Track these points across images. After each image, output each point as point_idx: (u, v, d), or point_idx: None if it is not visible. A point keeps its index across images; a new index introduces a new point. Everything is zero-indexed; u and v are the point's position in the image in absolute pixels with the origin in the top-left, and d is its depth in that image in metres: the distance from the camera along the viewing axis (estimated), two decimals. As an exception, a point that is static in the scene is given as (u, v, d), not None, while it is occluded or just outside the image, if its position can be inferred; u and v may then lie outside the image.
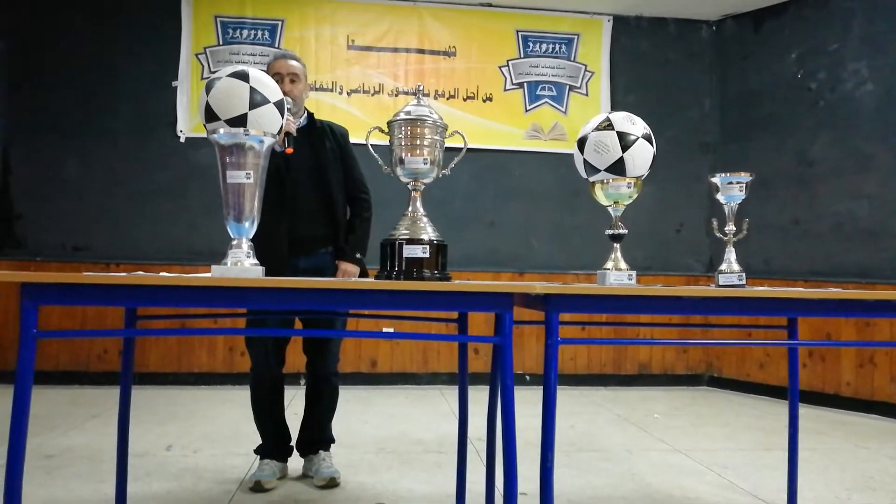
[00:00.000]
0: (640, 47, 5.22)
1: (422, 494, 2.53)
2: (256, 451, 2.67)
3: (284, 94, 2.41)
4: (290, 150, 2.40)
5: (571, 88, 5.14)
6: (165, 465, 2.81)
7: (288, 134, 2.38)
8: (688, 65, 5.24)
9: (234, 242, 1.66)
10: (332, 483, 2.57)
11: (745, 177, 1.91)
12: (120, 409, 2.04)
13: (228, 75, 1.63)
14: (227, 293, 1.54)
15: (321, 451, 2.69)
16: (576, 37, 5.15)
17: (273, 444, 2.66)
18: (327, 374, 2.69)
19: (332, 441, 2.76)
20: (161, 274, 1.63)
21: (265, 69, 2.52)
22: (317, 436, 2.71)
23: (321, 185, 2.59)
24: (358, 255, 2.63)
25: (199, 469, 2.76)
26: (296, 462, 2.72)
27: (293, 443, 2.73)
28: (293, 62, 2.58)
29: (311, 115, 2.68)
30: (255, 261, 1.65)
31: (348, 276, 2.56)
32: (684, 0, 4.95)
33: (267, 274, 1.64)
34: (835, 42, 4.59)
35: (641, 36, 5.22)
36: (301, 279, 1.55)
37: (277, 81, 2.43)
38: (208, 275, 1.57)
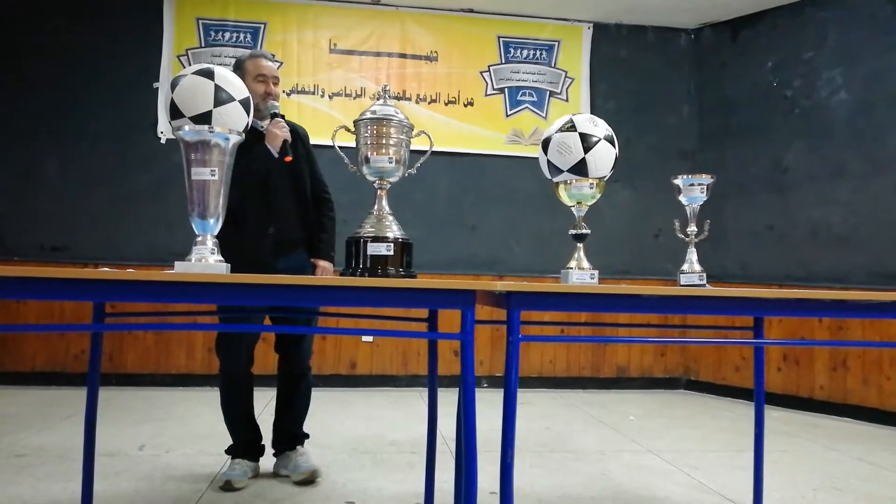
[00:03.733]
0: (620, 54, 5.28)
1: (391, 494, 2.54)
2: (227, 452, 2.68)
3: (268, 94, 2.48)
4: (288, 159, 2.40)
5: (552, 94, 5.19)
6: (137, 464, 2.80)
7: (285, 141, 2.39)
8: (666, 72, 5.31)
9: (199, 239, 1.67)
10: (311, 477, 2.60)
11: (705, 178, 1.95)
12: (87, 406, 2.04)
13: (193, 73, 1.65)
14: (190, 289, 1.55)
15: (297, 447, 2.73)
16: (556, 43, 5.20)
17: (244, 444, 2.66)
18: (303, 370, 2.72)
19: (307, 437, 2.80)
20: (127, 271, 1.63)
21: (240, 65, 2.53)
22: (293, 432, 2.74)
23: (297, 188, 2.62)
24: (332, 254, 2.67)
25: (171, 468, 2.76)
26: (266, 462, 2.73)
27: (264, 442, 2.73)
28: (273, 63, 2.58)
29: (282, 116, 2.68)
30: (220, 257, 1.66)
31: (327, 274, 2.63)
32: (663, 8, 5.01)
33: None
34: (810, 51, 4.67)
35: (621, 43, 5.28)
36: (263, 275, 1.56)
37: (262, 81, 2.49)
38: (172, 271, 1.58)
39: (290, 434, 2.73)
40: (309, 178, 2.67)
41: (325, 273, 2.63)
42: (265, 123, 2.49)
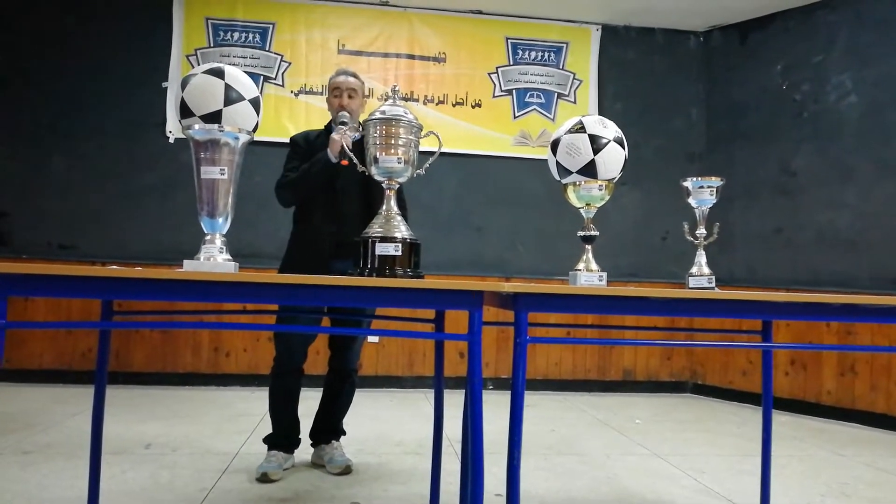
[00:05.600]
0: (628, 57, 5.27)
1: (397, 495, 2.53)
2: (265, 441, 2.81)
3: (342, 107, 2.69)
4: (345, 162, 2.57)
5: (560, 96, 5.19)
6: (143, 462, 2.81)
7: (343, 146, 2.54)
8: (675, 75, 5.29)
9: (208, 238, 1.68)
10: (347, 470, 2.76)
11: (715, 181, 1.94)
12: (95, 403, 2.04)
13: (204, 72, 1.65)
14: (198, 288, 1.55)
15: (333, 441, 2.87)
16: (565, 45, 5.19)
17: (283, 436, 2.80)
18: (350, 370, 2.88)
19: (344, 433, 2.94)
20: (136, 269, 1.64)
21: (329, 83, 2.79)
22: (332, 426, 2.90)
23: (365, 196, 2.73)
24: None
25: (177, 467, 2.76)
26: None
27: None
28: (351, 78, 2.77)
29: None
30: (228, 256, 1.67)
31: None
32: (672, 11, 5.00)
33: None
34: (819, 54, 4.65)
35: (630, 45, 5.27)
36: (268, 275, 1.57)
37: (337, 96, 2.72)
38: (181, 269, 1.59)
39: (329, 428, 2.89)
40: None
41: None
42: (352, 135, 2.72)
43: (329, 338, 2.91)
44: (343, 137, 2.54)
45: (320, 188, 2.67)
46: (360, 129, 2.77)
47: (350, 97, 2.73)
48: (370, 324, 2.83)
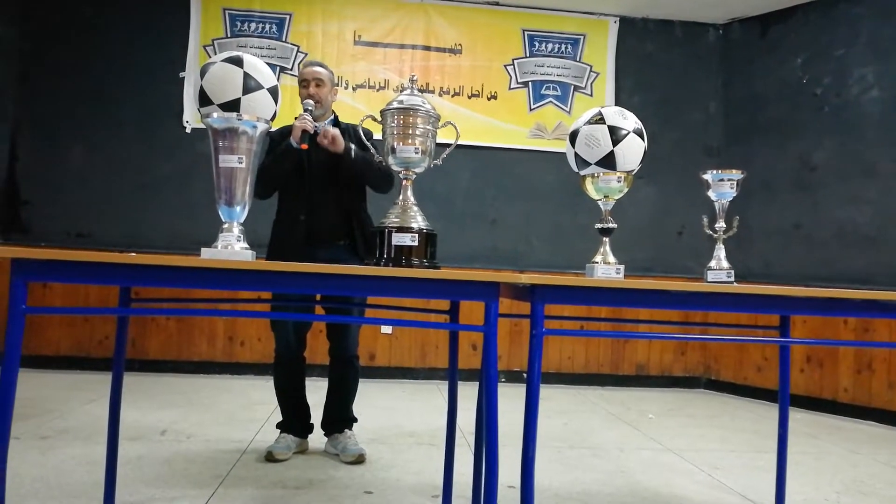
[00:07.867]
0: (646, 49, 5.22)
1: (410, 485, 2.54)
2: (277, 426, 2.88)
3: (309, 96, 2.72)
4: (304, 146, 2.59)
5: (576, 89, 5.15)
6: (158, 449, 2.83)
7: (304, 131, 2.58)
8: (693, 68, 5.24)
9: (225, 226, 1.68)
10: (360, 459, 2.77)
11: (735, 174, 1.91)
12: (112, 390, 2.06)
13: (223, 60, 1.66)
14: (215, 276, 1.56)
15: (346, 430, 2.89)
16: (582, 37, 5.15)
17: (290, 420, 2.86)
18: (349, 357, 2.88)
19: (355, 420, 2.96)
20: (154, 256, 1.65)
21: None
22: (341, 415, 2.91)
23: (337, 180, 2.76)
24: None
25: (192, 454, 2.79)
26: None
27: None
28: (318, 68, 2.79)
29: (336, 117, 2.88)
30: (246, 245, 1.67)
31: None
32: (691, 3, 4.94)
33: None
34: (841, 47, 4.57)
35: (647, 38, 5.22)
36: (284, 263, 1.57)
37: (304, 87, 2.75)
38: (199, 257, 1.59)
39: (339, 417, 2.91)
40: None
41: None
42: (319, 124, 2.75)
43: (326, 328, 2.91)
44: (303, 123, 2.58)
45: (285, 175, 2.71)
46: (334, 116, 2.83)
47: (317, 86, 2.75)
48: (363, 311, 2.85)
